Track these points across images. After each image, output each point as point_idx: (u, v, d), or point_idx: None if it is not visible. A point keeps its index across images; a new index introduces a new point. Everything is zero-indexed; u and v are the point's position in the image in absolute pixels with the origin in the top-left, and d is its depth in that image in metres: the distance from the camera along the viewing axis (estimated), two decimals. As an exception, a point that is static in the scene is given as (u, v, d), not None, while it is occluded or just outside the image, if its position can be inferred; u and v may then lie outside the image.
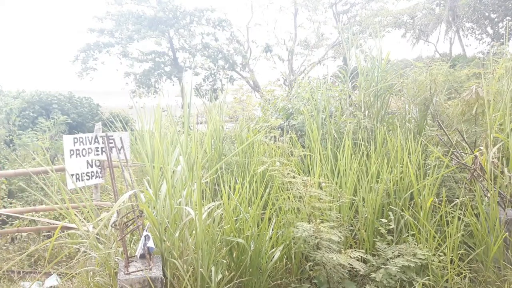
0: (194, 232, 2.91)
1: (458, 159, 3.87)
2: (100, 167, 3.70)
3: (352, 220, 3.79)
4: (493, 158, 3.55)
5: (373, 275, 3.08)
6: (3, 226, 4.63)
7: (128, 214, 2.96)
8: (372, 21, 18.24)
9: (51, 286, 3.56)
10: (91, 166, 3.64)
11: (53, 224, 4.05)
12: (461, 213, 3.46)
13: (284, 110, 6.30)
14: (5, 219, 4.71)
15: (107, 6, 18.02)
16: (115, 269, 2.85)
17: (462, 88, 5.55)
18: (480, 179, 3.61)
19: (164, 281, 2.62)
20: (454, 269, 3.22)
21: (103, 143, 3.57)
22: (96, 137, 3.62)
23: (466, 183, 3.84)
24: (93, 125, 8.66)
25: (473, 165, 3.64)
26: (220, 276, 2.86)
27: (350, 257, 2.94)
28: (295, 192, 3.26)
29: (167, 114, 6.13)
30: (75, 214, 2.97)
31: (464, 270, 3.26)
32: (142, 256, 2.73)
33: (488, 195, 3.48)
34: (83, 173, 3.58)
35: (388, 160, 4.02)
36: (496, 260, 3.31)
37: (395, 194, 3.90)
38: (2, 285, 3.71)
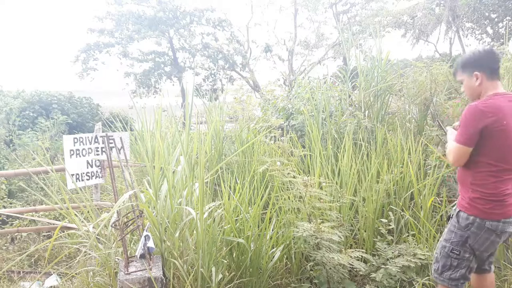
0: (194, 232, 2.91)
1: (458, 159, 3.85)
2: (100, 167, 3.69)
3: (352, 220, 3.79)
4: (493, 158, 3.54)
5: (373, 275, 3.08)
6: (3, 226, 4.63)
7: (128, 214, 2.95)
8: (372, 21, 18.25)
9: (51, 286, 3.56)
10: (91, 166, 3.63)
11: (53, 224, 4.04)
12: (461, 213, 3.45)
13: (284, 110, 6.30)
14: (5, 219, 4.71)
15: (107, 6, 18.01)
16: (115, 269, 2.85)
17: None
18: (480, 179, 3.60)
19: (164, 281, 2.62)
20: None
21: (103, 143, 3.57)
22: (96, 137, 3.62)
23: (466, 183, 3.83)
24: (93, 125, 8.66)
25: (473, 165, 3.64)
26: (220, 276, 2.86)
27: (351, 257, 2.94)
28: (296, 192, 3.26)
29: (167, 114, 6.14)
30: (75, 214, 2.97)
31: (465, 270, 3.25)
32: (142, 256, 2.73)
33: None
34: (83, 173, 3.57)
35: (388, 160, 4.02)
36: (496, 260, 3.31)
37: (395, 194, 3.90)
38: (2, 285, 3.70)
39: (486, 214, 2.21)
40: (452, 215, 2.41)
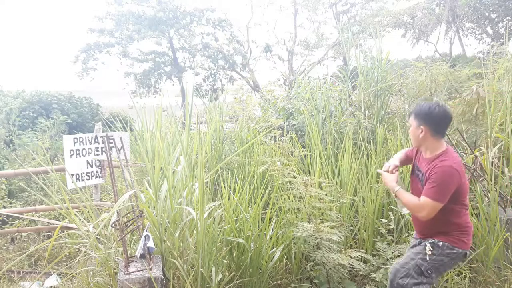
0: (194, 232, 2.91)
1: (458, 159, 3.86)
2: (100, 167, 3.69)
3: (352, 220, 3.79)
4: (493, 158, 3.55)
5: (373, 275, 3.08)
6: (3, 226, 4.63)
7: (128, 214, 2.96)
8: (372, 21, 18.24)
9: (51, 286, 3.56)
10: (91, 166, 3.63)
11: (53, 224, 4.05)
12: (461, 213, 3.45)
13: (284, 110, 6.30)
14: (5, 219, 4.71)
15: (107, 6, 18.02)
16: (115, 269, 2.85)
17: (463, 88, 5.55)
18: (480, 179, 3.61)
19: (164, 281, 2.62)
20: (454, 269, 3.22)
21: (103, 143, 3.57)
22: (96, 137, 3.62)
23: (466, 183, 3.84)
24: (93, 125, 8.65)
25: (473, 165, 3.64)
26: (220, 276, 2.86)
27: (351, 257, 2.94)
28: (296, 192, 3.26)
29: (167, 114, 6.13)
30: (75, 214, 2.97)
31: (464, 270, 3.26)
32: (142, 256, 2.73)
33: (489, 195, 3.48)
34: (83, 173, 3.57)
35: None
36: (497, 260, 3.31)
37: (395, 194, 3.89)
38: (2, 285, 3.70)
39: (467, 245, 2.49)
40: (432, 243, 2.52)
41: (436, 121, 2.39)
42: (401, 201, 2.50)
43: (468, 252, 2.51)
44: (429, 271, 2.47)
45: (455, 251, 2.45)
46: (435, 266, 2.47)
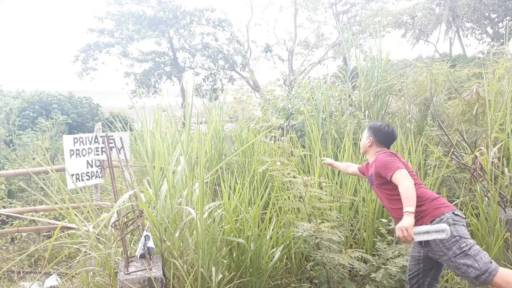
0: (194, 232, 2.91)
1: (458, 159, 3.86)
2: (100, 167, 3.69)
3: (352, 220, 3.79)
4: (493, 158, 3.55)
5: (373, 275, 3.08)
6: (3, 226, 4.63)
7: (128, 214, 2.96)
8: (372, 21, 18.22)
9: (51, 286, 3.56)
10: (91, 166, 3.63)
11: (53, 224, 4.05)
12: (461, 213, 3.46)
13: (284, 110, 6.30)
14: (5, 219, 4.71)
15: (107, 6, 18.00)
16: (115, 269, 2.85)
17: (463, 88, 5.55)
18: (480, 179, 3.61)
19: (164, 281, 2.62)
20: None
21: (103, 143, 3.57)
22: (96, 137, 3.62)
23: (466, 183, 3.84)
24: (93, 125, 8.64)
25: (473, 165, 3.64)
26: (220, 276, 2.86)
27: (351, 257, 2.94)
28: (296, 192, 3.26)
29: (167, 114, 6.14)
30: (75, 214, 2.97)
31: (465, 270, 3.25)
32: (142, 256, 2.73)
33: (489, 195, 3.48)
34: (83, 173, 3.57)
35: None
36: (496, 260, 3.31)
37: (395, 194, 3.89)
38: (2, 285, 3.70)
39: (443, 210, 2.54)
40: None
41: (381, 135, 2.91)
42: (406, 198, 2.45)
43: (456, 212, 2.52)
44: (464, 244, 2.37)
45: (444, 218, 2.48)
46: (457, 237, 2.40)
